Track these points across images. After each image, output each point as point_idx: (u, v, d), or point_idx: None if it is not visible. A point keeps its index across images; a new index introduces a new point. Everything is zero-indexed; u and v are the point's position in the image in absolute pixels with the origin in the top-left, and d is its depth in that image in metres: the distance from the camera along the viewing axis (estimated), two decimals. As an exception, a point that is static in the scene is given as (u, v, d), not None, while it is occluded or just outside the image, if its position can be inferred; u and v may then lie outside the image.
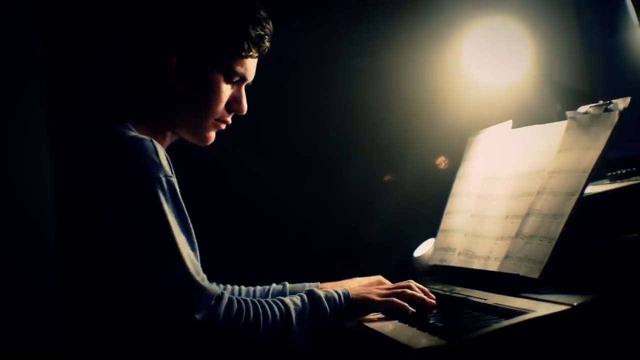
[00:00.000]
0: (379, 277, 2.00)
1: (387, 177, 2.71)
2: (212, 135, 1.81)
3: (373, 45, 2.59)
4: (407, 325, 1.65)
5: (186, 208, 1.65)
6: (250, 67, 1.78)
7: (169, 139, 1.82)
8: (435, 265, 2.15)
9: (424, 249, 2.29)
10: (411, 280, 1.82)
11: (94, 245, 1.60)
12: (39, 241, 2.38)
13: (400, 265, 2.24)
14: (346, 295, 1.72)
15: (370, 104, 2.65)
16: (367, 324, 1.73)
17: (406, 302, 1.72)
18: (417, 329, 1.58)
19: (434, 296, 1.78)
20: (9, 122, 2.41)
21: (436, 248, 2.19)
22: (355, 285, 1.95)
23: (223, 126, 1.81)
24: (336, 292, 1.72)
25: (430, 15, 2.57)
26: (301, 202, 2.63)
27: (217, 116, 1.77)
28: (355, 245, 2.61)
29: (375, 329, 1.67)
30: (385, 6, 2.62)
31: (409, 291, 1.75)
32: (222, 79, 1.74)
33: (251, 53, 1.75)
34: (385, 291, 1.76)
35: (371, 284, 1.93)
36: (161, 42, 1.72)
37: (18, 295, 2.37)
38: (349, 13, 2.61)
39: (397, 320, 1.71)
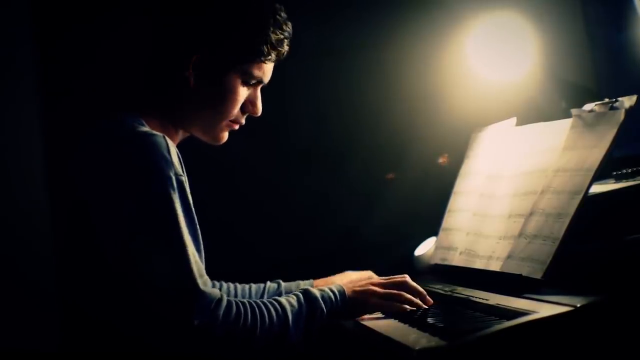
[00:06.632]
0: (369, 272, 2.03)
1: (389, 175, 2.70)
2: (225, 135, 1.81)
3: (375, 41, 2.58)
4: (407, 325, 1.64)
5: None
6: (267, 70, 1.77)
7: (181, 136, 1.81)
8: (436, 265, 2.14)
9: (425, 248, 2.28)
10: (406, 275, 1.80)
11: (96, 241, 1.57)
12: (36, 238, 2.38)
13: (401, 264, 2.22)
14: (342, 294, 1.71)
15: (371, 100, 2.64)
16: (366, 324, 1.71)
17: (404, 304, 1.74)
18: (418, 329, 1.57)
19: (430, 299, 1.78)
20: (5, 121, 2.40)
21: (437, 247, 2.18)
22: (346, 280, 1.95)
23: (236, 127, 1.81)
24: (331, 290, 1.71)
25: (434, 10, 2.57)
26: (301, 200, 2.62)
27: (232, 118, 1.77)
28: (355, 243, 2.60)
29: (375, 328, 1.66)
30: (388, 1, 2.60)
31: (406, 296, 1.74)
32: (239, 82, 1.74)
33: (270, 57, 1.74)
34: (383, 291, 1.75)
35: (361, 279, 1.92)
36: (183, 39, 1.70)
37: (15, 293, 2.37)
38: (351, 8, 2.60)
39: (397, 320, 1.70)
